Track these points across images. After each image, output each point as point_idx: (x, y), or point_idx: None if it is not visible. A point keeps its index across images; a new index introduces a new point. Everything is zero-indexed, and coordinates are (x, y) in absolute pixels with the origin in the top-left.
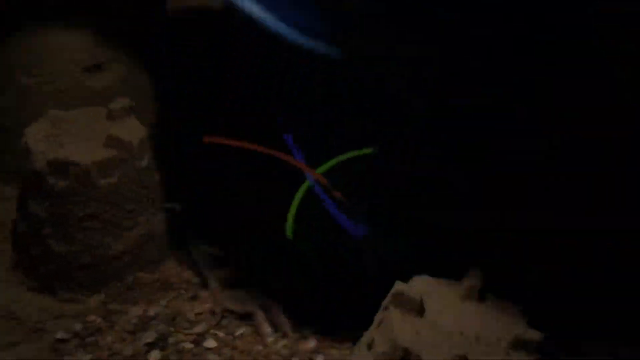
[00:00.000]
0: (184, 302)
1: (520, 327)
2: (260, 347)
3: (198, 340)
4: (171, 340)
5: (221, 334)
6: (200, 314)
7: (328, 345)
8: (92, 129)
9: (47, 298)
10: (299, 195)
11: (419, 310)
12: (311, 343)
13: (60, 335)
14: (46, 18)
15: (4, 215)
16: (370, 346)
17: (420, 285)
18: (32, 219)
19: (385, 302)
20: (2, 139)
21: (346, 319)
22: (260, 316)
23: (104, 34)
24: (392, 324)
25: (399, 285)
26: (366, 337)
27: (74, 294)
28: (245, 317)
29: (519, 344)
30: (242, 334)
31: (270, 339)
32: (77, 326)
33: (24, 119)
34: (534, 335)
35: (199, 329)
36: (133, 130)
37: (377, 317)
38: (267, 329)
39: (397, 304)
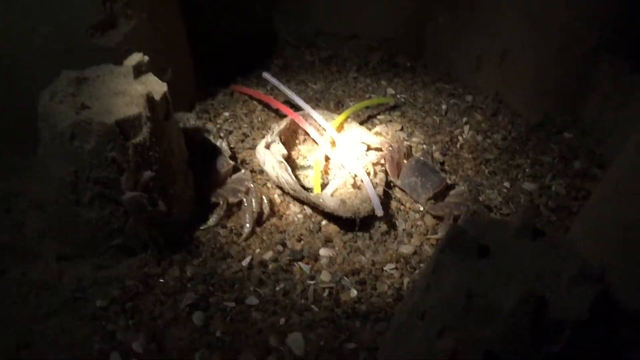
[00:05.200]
0: (217, 261)
1: (579, 262)
2: None
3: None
4: (212, 300)
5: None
6: (238, 271)
7: None
8: (111, 87)
9: (79, 265)
10: None
11: (476, 251)
12: None
13: (99, 303)
14: None
15: (22, 184)
16: (428, 289)
17: (473, 227)
18: (58, 185)
19: (440, 246)
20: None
21: None
22: None
23: None
24: (451, 267)
25: (453, 229)
26: (420, 282)
27: (107, 259)
28: None
29: (580, 277)
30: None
31: None
32: (115, 292)
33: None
34: (593, 268)
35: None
36: (154, 86)
37: (431, 262)
38: None
39: (453, 247)
